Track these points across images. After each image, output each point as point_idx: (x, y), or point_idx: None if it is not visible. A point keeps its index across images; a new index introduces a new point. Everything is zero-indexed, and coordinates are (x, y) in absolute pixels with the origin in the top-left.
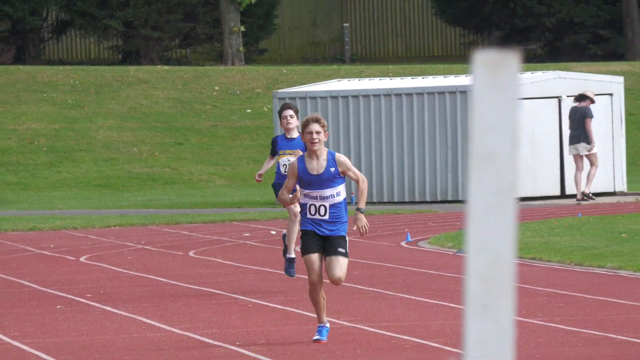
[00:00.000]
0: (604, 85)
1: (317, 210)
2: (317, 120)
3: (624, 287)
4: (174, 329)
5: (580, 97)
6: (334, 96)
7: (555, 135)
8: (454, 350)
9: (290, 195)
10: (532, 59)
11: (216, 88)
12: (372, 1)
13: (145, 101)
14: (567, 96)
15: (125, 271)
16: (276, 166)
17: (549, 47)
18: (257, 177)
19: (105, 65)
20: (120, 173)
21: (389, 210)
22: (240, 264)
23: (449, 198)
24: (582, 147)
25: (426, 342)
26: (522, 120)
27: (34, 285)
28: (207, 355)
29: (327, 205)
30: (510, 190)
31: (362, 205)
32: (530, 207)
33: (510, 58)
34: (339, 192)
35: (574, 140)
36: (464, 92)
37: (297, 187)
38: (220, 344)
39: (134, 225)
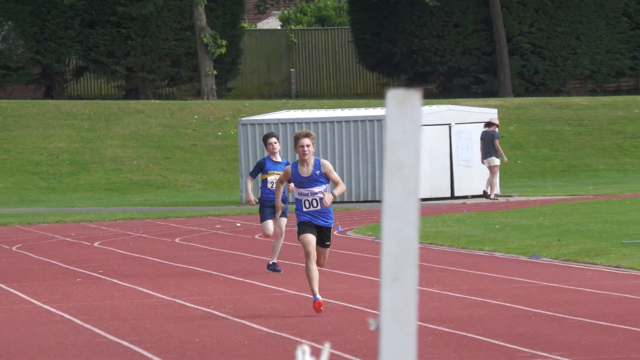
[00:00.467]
0: (482, 116)
1: (310, 203)
2: (307, 135)
3: (497, 265)
4: (164, 296)
5: (489, 124)
6: (284, 123)
7: (447, 152)
8: (373, 311)
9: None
10: (430, 96)
11: (195, 117)
12: (312, 52)
13: (142, 127)
14: (456, 123)
15: (128, 253)
16: (262, 183)
17: (442, 87)
18: (252, 202)
19: (112, 99)
20: (124, 180)
21: None
22: (214, 248)
23: (369, 198)
24: (492, 160)
25: (352, 306)
26: (422, 141)
27: (59, 264)
28: (189, 317)
29: (318, 199)
30: (414, 193)
31: (336, 192)
32: (428, 205)
33: (414, 95)
34: (326, 189)
35: (486, 155)
36: (380, 120)
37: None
38: (198, 307)
39: (134, 219)
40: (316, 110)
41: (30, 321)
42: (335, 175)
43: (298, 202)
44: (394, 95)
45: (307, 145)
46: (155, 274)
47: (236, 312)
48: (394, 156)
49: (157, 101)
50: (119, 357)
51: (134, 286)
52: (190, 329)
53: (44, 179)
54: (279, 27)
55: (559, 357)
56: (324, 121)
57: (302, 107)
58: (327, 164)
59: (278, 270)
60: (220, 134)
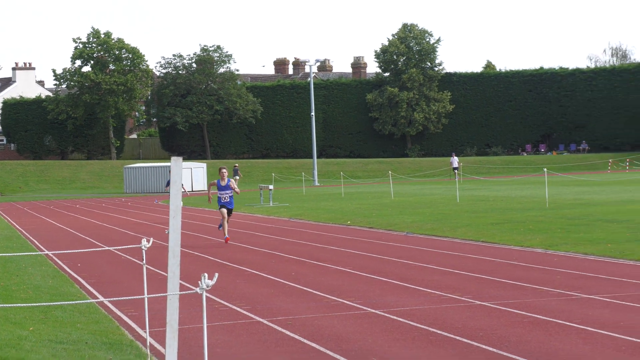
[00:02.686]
0: (200, 165)
1: (224, 198)
2: (224, 167)
3: (266, 221)
4: (129, 218)
5: (235, 166)
6: (143, 167)
7: (189, 179)
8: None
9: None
10: (184, 159)
11: (110, 165)
12: (148, 145)
13: (94, 169)
14: (192, 168)
15: (107, 205)
16: (209, 188)
17: (189, 157)
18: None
19: (90, 160)
20: (90, 185)
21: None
22: (120, 207)
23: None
24: (235, 178)
25: (191, 233)
26: (182, 175)
27: (100, 211)
28: (134, 224)
29: (229, 196)
30: (179, 192)
31: (237, 190)
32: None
33: (179, 159)
34: (231, 191)
35: (233, 176)
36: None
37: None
38: (144, 221)
39: (97, 198)
40: (151, 163)
41: (103, 228)
42: (235, 185)
43: (219, 197)
44: (173, 158)
45: (224, 172)
46: (120, 212)
47: (151, 236)
48: (173, 180)
49: (99, 160)
50: (129, 240)
51: (120, 216)
52: (136, 231)
53: (66, 186)
54: (136, 137)
55: (288, 255)
56: (155, 167)
57: (146, 163)
58: (233, 182)
59: (219, 228)
60: (118, 171)
